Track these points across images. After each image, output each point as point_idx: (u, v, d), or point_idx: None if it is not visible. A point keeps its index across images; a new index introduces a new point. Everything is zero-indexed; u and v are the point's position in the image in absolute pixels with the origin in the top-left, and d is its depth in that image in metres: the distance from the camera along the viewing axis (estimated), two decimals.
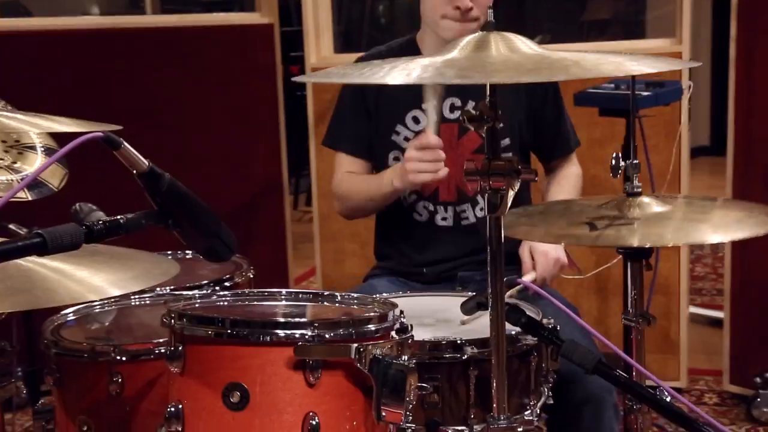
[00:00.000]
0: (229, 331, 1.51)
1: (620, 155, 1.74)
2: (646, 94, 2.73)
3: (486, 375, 1.78)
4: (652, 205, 1.73)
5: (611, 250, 3.33)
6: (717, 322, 4.03)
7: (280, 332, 1.50)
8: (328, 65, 3.63)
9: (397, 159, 2.48)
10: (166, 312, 1.59)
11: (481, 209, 2.44)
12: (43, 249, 1.20)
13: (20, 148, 2.34)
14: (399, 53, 2.50)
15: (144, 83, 3.54)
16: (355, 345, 1.50)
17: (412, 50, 2.49)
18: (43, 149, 2.37)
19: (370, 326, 1.55)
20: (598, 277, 3.43)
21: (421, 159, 2.20)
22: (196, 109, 3.62)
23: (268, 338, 1.50)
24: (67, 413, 2.01)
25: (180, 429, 1.55)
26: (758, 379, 3.28)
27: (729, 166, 3.34)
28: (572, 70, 1.20)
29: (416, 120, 2.47)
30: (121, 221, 1.30)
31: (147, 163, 1.33)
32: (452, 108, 2.45)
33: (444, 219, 2.47)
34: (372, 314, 1.58)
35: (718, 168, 5.63)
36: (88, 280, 1.72)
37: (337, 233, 3.72)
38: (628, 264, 1.75)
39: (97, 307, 2.19)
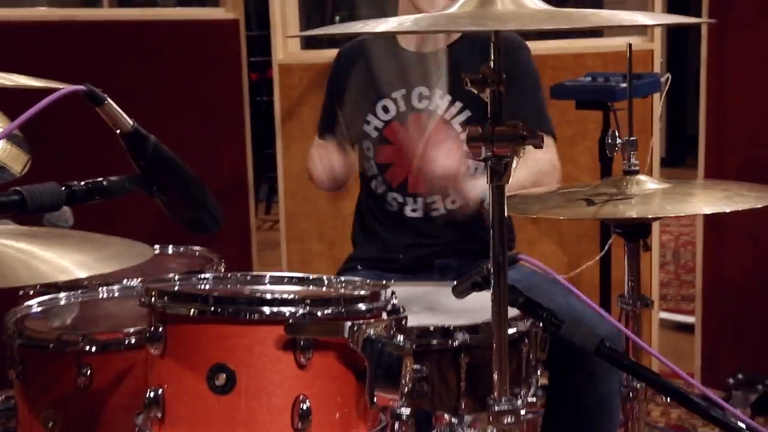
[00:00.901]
0: (213, 308, 1.41)
1: (616, 132, 1.69)
2: (623, 85, 2.68)
3: (478, 363, 1.71)
4: (648, 182, 1.68)
5: (584, 252, 3.34)
6: (684, 327, 4.02)
7: (269, 309, 1.41)
8: (295, 62, 3.57)
9: (368, 149, 2.43)
10: (145, 291, 1.49)
11: (453, 201, 2.36)
12: (21, 206, 1.10)
13: None
14: (377, 41, 2.45)
15: (103, 77, 3.39)
16: (349, 323, 1.42)
17: (387, 38, 2.44)
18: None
19: (362, 305, 1.47)
20: (570, 280, 3.38)
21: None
22: (158, 106, 3.50)
23: (256, 316, 1.40)
24: (30, 409, 1.90)
25: (160, 415, 1.45)
26: (731, 380, 3.25)
27: (701, 166, 3.32)
28: (591, 18, 1.13)
29: (385, 109, 2.41)
30: (104, 183, 1.21)
31: (131, 123, 1.24)
32: (420, 97, 2.39)
33: (414, 210, 2.40)
34: (364, 293, 1.50)
35: (675, 180, 5.68)
36: (56, 261, 1.62)
37: (305, 233, 3.63)
38: (625, 245, 1.69)
39: (63, 298, 2.08)
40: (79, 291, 2.10)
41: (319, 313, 1.42)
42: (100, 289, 2.13)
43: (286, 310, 1.41)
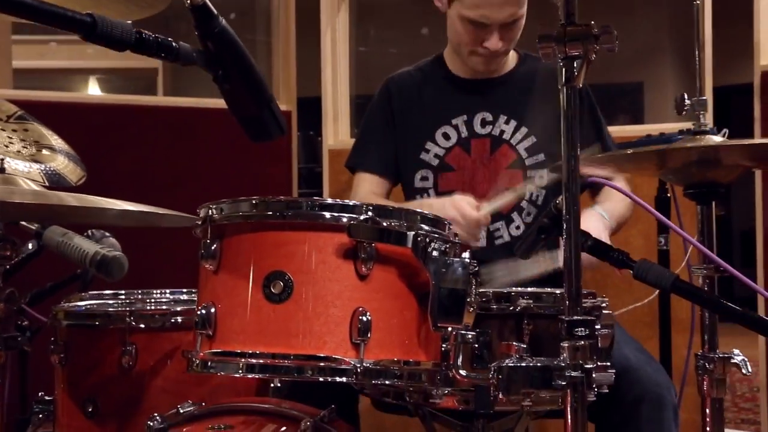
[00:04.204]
0: (270, 212, 1.36)
1: (685, 95, 1.66)
2: (680, 137, 2.64)
3: (540, 332, 1.61)
4: (717, 139, 1.63)
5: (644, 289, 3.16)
6: None
7: (330, 214, 1.35)
8: (344, 148, 3.59)
9: (424, 179, 2.38)
10: (202, 208, 1.44)
11: (517, 227, 2.31)
12: (90, 29, 1.07)
13: (39, 146, 2.26)
14: (426, 70, 2.46)
15: (155, 159, 3.44)
16: (413, 233, 1.36)
17: (439, 66, 2.45)
18: (61, 151, 2.28)
19: (425, 225, 1.41)
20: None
21: (461, 226, 2.08)
22: (208, 188, 3.52)
23: (316, 221, 1.35)
24: (70, 395, 1.82)
25: (212, 333, 1.37)
26: None
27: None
28: None
29: (446, 136, 2.38)
30: (174, 44, 1.19)
31: None
32: (483, 123, 2.37)
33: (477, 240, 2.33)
34: (427, 215, 1.43)
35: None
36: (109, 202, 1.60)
37: None
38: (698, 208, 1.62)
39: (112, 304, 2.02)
40: (128, 298, 2.06)
41: (383, 223, 1.36)
42: (148, 299, 2.08)
43: (348, 215, 1.35)
